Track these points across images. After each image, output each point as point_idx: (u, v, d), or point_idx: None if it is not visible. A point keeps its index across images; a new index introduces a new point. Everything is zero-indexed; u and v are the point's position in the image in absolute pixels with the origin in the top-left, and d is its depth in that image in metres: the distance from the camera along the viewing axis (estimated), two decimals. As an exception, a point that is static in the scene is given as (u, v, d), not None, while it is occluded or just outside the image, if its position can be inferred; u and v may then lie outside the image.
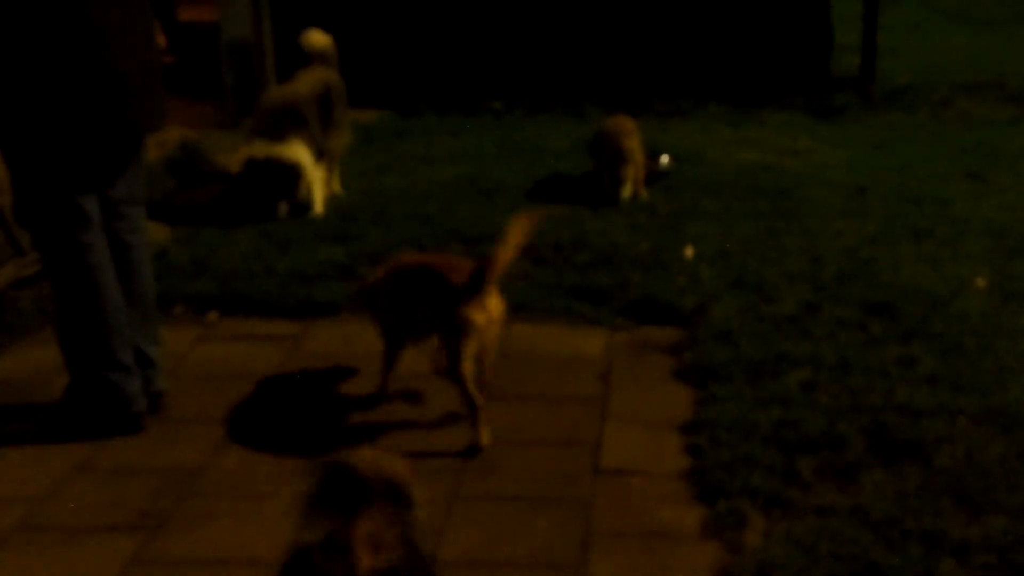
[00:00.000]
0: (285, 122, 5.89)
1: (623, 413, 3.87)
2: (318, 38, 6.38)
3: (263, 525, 3.29)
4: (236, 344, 4.53)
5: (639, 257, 5.11)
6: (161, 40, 3.95)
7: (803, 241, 5.26)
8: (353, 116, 7.34)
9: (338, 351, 4.43)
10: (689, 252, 5.15)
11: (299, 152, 5.84)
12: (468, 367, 3.66)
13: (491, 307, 3.66)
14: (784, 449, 3.50)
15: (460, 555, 3.12)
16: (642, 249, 5.21)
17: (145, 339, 3.92)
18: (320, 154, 5.96)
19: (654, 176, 6.24)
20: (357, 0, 8.40)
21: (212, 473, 3.61)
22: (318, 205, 5.89)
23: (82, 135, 3.66)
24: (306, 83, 6.12)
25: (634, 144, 6.06)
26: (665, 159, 6.41)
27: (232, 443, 3.79)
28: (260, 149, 5.85)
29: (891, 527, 3.10)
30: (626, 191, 5.97)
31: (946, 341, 4.18)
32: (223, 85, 8.23)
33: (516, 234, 3.58)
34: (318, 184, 5.92)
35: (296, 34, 8.16)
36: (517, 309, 4.65)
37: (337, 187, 6.19)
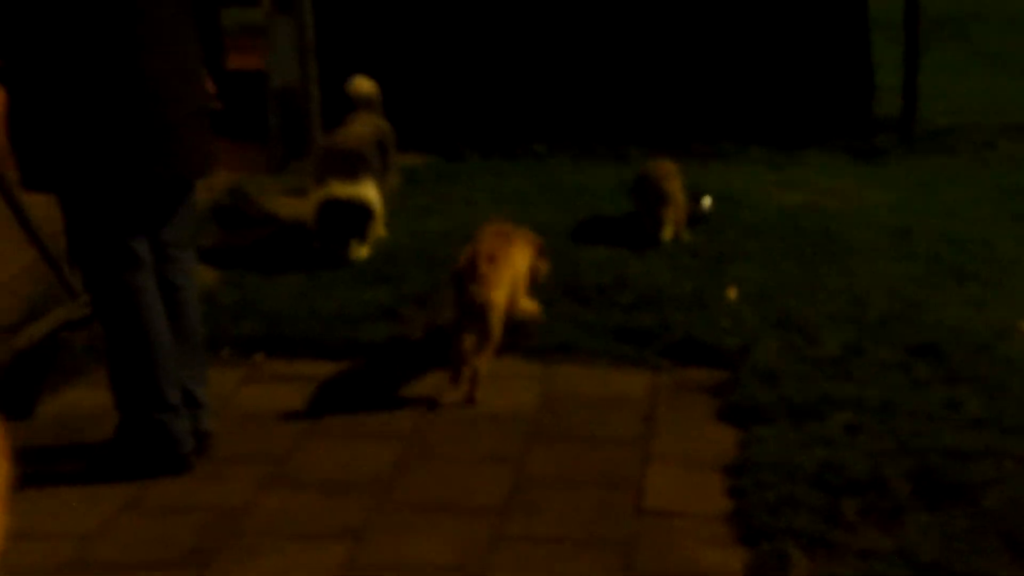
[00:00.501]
0: (356, 164, 5.92)
1: (666, 454, 3.86)
2: (364, 85, 6.42)
3: (307, 564, 3.31)
4: (281, 385, 4.54)
5: (681, 298, 5.09)
6: (210, 87, 4.00)
7: (846, 282, 5.23)
8: (399, 160, 7.42)
9: (383, 390, 4.45)
10: (732, 293, 5.14)
11: (373, 193, 5.90)
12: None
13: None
14: (828, 491, 3.48)
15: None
16: (684, 290, 5.19)
17: (193, 380, 3.94)
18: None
19: (696, 218, 6.22)
20: (401, 46, 8.45)
21: (257, 512, 3.62)
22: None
23: (133, 180, 3.70)
24: (365, 127, 6.18)
25: (675, 186, 6.05)
26: (707, 201, 6.39)
27: (277, 482, 3.81)
28: (340, 189, 5.83)
29: (937, 570, 3.08)
30: (667, 233, 5.95)
31: (992, 384, 4.14)
32: (269, 130, 8.31)
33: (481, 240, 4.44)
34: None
35: (340, 80, 8.29)
36: (561, 349, 4.69)
37: (382, 230, 6.22)
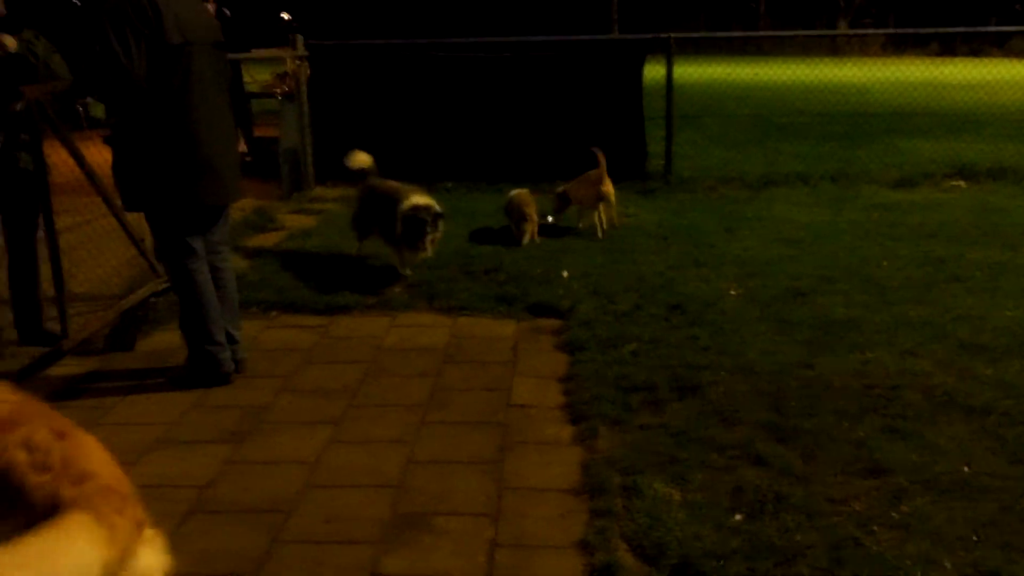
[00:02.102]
0: (417, 190, 5.17)
1: (525, 370, 3.87)
2: (362, 158, 5.71)
3: (307, 439, 3.25)
4: (289, 330, 4.46)
5: (535, 277, 5.12)
6: (243, 146, 3.91)
7: (632, 268, 5.30)
8: (349, 191, 7.28)
9: (351, 334, 4.38)
10: (565, 274, 5.18)
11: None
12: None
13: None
14: (621, 391, 3.53)
15: (426, 457, 3.11)
16: (536, 272, 5.22)
17: (232, 326, 3.85)
18: None
19: (543, 228, 6.26)
20: (361, 115, 8.31)
21: (274, 408, 3.55)
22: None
23: (193, 205, 3.61)
24: (391, 182, 5.45)
25: (531, 209, 6.05)
26: (549, 218, 6.45)
27: (286, 390, 3.74)
28: (420, 199, 4.97)
29: (682, 435, 3.15)
30: (526, 239, 5.98)
31: (714, 326, 4.25)
32: (280, 174, 8.14)
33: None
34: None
35: (325, 142, 8.12)
36: (462, 308, 4.67)
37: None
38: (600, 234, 6.10)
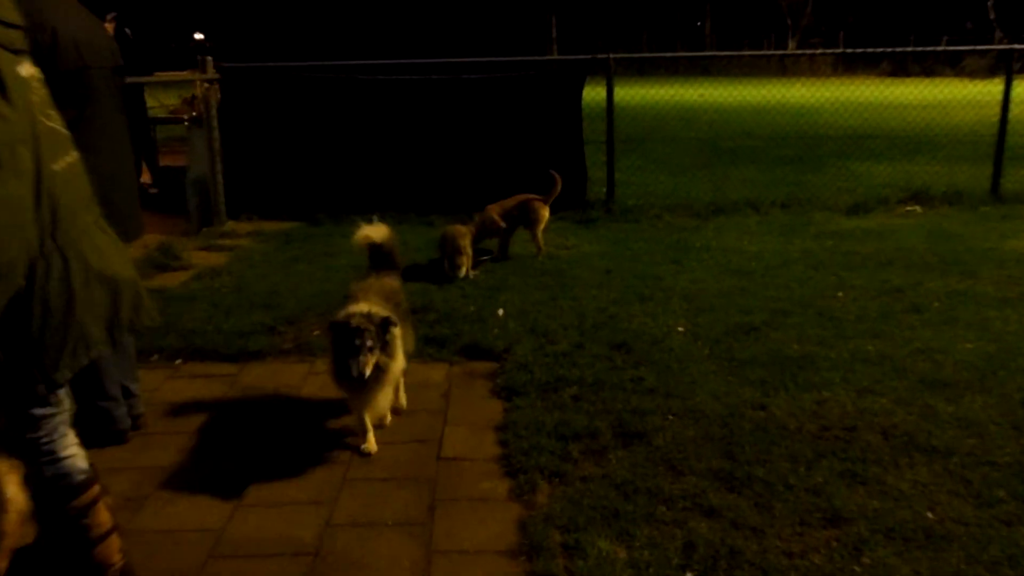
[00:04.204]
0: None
1: (457, 419, 3.83)
2: (373, 232, 4.60)
3: (211, 505, 3.13)
4: (195, 381, 4.32)
5: (468, 316, 5.11)
6: (147, 176, 3.82)
7: (573, 303, 5.33)
8: (278, 226, 7.16)
9: (264, 383, 4.28)
10: (500, 312, 5.18)
11: None
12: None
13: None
14: (561, 439, 3.52)
15: (346, 519, 3.03)
16: (470, 310, 5.21)
17: (128, 378, 3.71)
18: None
19: (478, 263, 6.28)
20: (278, 147, 8.24)
21: (176, 469, 3.42)
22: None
23: None
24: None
25: (466, 242, 6.08)
26: (484, 258, 6.49)
27: (189, 449, 3.61)
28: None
29: (627, 486, 3.14)
30: (462, 273, 5.98)
31: (660, 365, 4.28)
32: (188, 207, 7.98)
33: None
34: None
35: (237, 173, 8.01)
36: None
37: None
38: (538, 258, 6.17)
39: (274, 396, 4.12)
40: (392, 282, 3.89)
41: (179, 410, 3.96)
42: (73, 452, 2.40)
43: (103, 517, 2.41)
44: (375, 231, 4.07)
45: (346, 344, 3.32)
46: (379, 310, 3.44)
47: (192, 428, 3.78)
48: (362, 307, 3.43)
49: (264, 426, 3.79)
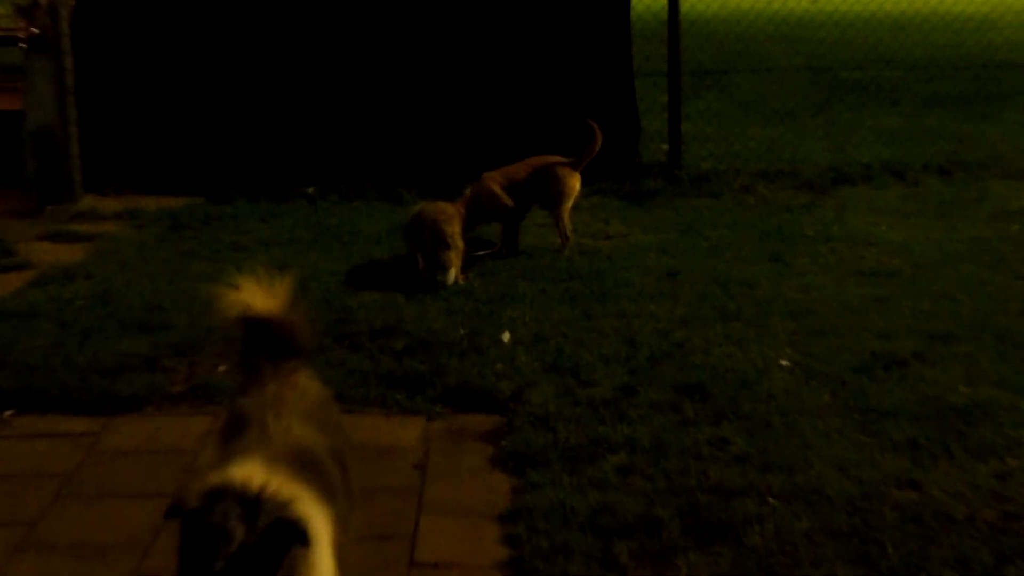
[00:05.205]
0: None
1: (439, 503, 3.80)
2: None
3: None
4: (35, 443, 4.28)
5: (455, 343, 5.08)
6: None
7: (618, 324, 5.30)
8: (163, 203, 7.17)
9: (141, 447, 4.23)
10: (506, 337, 5.15)
11: None
12: None
13: None
14: (601, 535, 3.48)
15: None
16: (459, 335, 5.18)
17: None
18: None
19: (471, 260, 6.25)
20: (165, 84, 8.23)
21: (4, 583, 3.39)
22: None
23: None
24: None
25: (453, 229, 6.03)
26: (482, 253, 6.46)
27: (28, 547, 3.55)
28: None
29: (707, 611, 3.11)
30: (450, 277, 5.91)
31: (754, 421, 4.25)
32: (25, 174, 7.96)
33: None
34: None
35: (101, 121, 7.99)
36: (334, 399, 4.57)
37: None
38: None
39: (155, 465, 4.07)
40: (311, 388, 3.10)
41: (12, 487, 3.92)
42: None
43: None
44: (260, 296, 3.26)
45: (200, 558, 2.27)
46: (285, 488, 2.40)
47: (31, 515, 3.72)
48: (248, 474, 2.41)
49: (138, 512, 3.74)
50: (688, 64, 8.15)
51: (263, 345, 3.17)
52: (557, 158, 6.59)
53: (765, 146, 9.06)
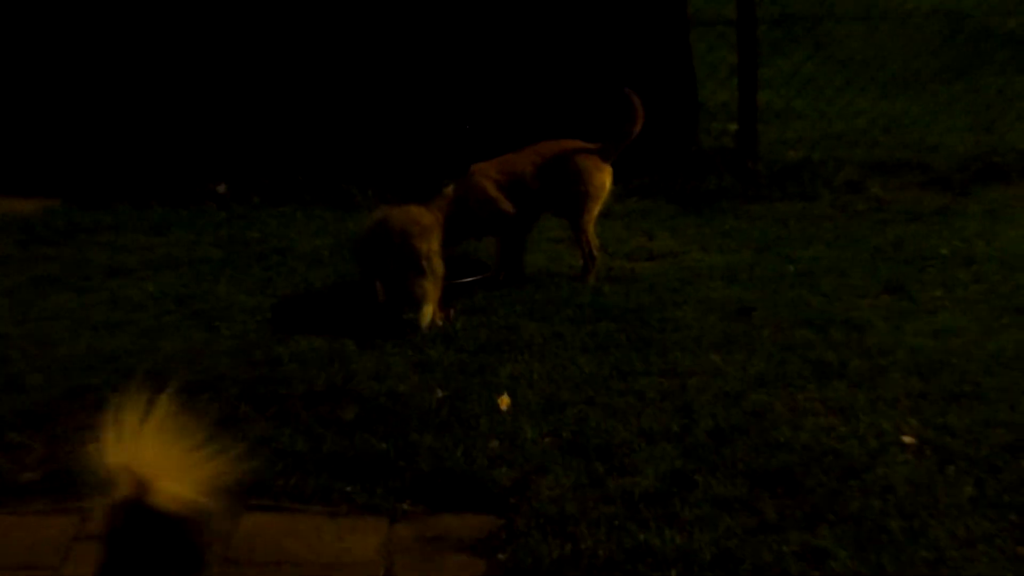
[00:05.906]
0: None
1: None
2: None
3: None
4: None
5: (431, 410, 5.10)
6: None
7: (667, 384, 5.34)
8: (10, 207, 7.21)
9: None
10: (504, 403, 5.17)
11: None
12: None
13: None
14: None
15: None
16: (435, 399, 5.21)
17: None
18: None
19: (455, 288, 6.26)
20: (18, 45, 8.32)
21: None
22: None
23: None
24: None
25: (426, 245, 5.99)
26: (469, 280, 6.48)
27: None
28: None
29: None
30: (426, 316, 5.89)
31: (864, 525, 4.24)
32: None
33: None
34: None
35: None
36: (252, 491, 4.56)
37: None
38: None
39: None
40: None
41: None
42: None
43: None
44: (161, 463, 2.81)
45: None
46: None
47: None
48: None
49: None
50: (768, 7, 8.18)
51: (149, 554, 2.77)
52: (578, 143, 6.63)
53: (880, 127, 9.08)
